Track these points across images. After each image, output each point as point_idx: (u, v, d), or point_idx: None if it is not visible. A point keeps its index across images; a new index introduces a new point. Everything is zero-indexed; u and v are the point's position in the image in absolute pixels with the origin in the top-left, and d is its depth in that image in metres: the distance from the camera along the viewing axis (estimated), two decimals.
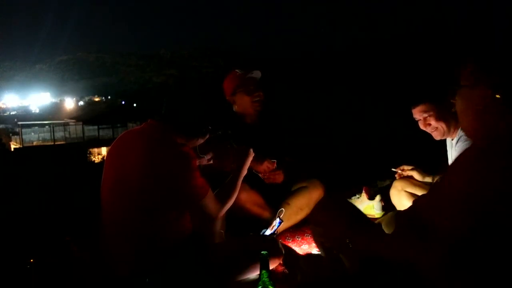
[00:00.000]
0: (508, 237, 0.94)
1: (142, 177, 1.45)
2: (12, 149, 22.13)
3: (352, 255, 1.35)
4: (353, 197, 2.73)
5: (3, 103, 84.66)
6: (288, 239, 2.25)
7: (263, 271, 1.33)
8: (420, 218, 1.10)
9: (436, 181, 1.19)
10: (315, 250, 2.02)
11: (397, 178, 2.44)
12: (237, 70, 2.48)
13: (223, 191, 1.70)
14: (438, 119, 1.92)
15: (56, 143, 22.49)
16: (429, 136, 2.05)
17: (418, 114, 1.99)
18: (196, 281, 1.50)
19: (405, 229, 1.15)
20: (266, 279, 1.32)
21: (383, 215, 2.26)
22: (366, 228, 1.41)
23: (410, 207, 1.24)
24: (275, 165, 2.35)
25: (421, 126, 2.01)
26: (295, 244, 2.18)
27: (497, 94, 1.05)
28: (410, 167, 2.37)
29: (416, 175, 2.32)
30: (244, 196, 2.20)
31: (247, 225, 2.18)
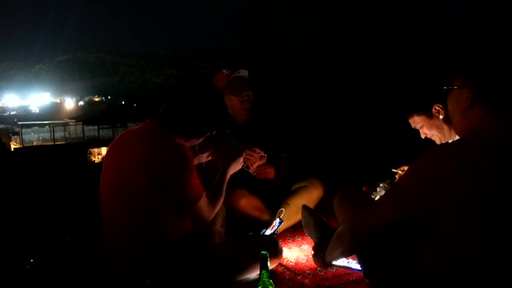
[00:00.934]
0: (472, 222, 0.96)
1: (141, 177, 1.45)
2: (12, 149, 22.13)
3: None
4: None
5: (3, 103, 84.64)
6: (288, 239, 2.25)
7: (263, 271, 1.33)
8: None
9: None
10: None
11: (397, 178, 2.44)
12: (224, 70, 2.46)
13: (213, 193, 1.69)
14: (429, 128, 1.92)
15: (56, 143, 22.49)
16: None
17: (412, 124, 2.00)
18: (196, 281, 1.50)
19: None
20: (266, 279, 1.32)
21: None
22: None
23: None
24: (265, 160, 2.36)
25: (421, 135, 2.03)
26: (295, 244, 2.18)
27: (480, 94, 1.10)
28: None
29: None
30: (243, 202, 2.20)
31: (247, 225, 2.18)
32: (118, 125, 25.25)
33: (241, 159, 1.90)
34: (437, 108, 1.85)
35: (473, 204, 0.95)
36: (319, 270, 1.81)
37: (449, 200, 0.97)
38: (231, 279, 1.65)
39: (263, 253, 1.35)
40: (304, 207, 1.73)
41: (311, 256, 2.01)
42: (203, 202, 1.57)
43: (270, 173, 2.35)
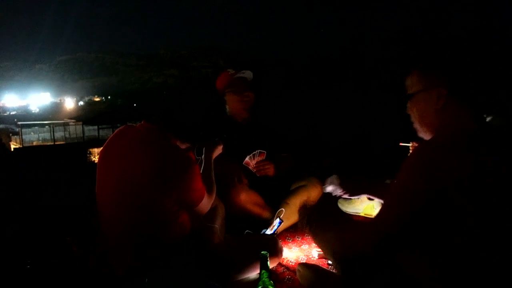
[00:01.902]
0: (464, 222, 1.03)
1: (146, 180, 1.45)
2: (12, 149, 22.13)
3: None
4: (353, 197, 2.73)
5: (3, 103, 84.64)
6: (288, 239, 2.25)
7: (263, 271, 1.33)
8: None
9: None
10: (315, 251, 2.02)
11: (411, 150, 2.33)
12: (229, 70, 2.48)
13: (206, 185, 1.70)
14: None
15: (56, 143, 22.48)
16: None
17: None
18: (195, 281, 1.50)
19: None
20: (266, 279, 1.32)
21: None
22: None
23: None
24: (264, 156, 2.37)
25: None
26: (295, 244, 2.18)
27: (453, 93, 1.17)
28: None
29: None
30: (244, 197, 2.20)
31: (247, 225, 2.18)
32: (118, 125, 25.07)
33: (220, 146, 1.89)
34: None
35: (470, 189, 1.02)
36: None
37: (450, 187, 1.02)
38: (231, 278, 1.65)
39: (263, 253, 1.35)
40: (300, 265, 1.70)
41: (311, 257, 2.01)
42: (205, 200, 1.61)
43: (270, 170, 2.36)
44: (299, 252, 2.07)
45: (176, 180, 1.47)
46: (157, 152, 1.49)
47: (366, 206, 2.51)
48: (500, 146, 1.09)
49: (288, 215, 2.25)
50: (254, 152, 2.38)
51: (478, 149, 1.06)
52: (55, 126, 24.64)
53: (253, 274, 1.68)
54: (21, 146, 22.03)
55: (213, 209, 1.86)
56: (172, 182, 1.46)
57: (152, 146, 1.50)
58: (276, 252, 1.81)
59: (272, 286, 1.33)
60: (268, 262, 1.35)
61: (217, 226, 1.93)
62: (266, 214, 2.28)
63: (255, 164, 2.37)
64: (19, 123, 26.33)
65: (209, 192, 1.69)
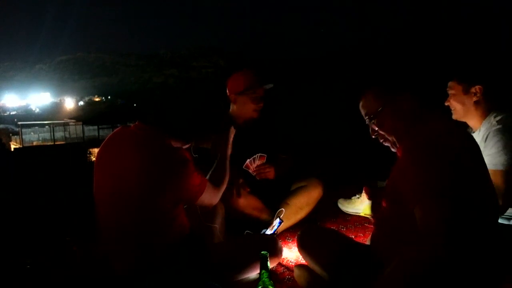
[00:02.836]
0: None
1: (140, 181, 1.45)
2: (12, 149, 22.13)
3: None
4: (353, 197, 2.73)
5: (3, 103, 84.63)
6: (288, 239, 2.25)
7: (263, 271, 1.33)
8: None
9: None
10: None
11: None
12: (253, 72, 2.37)
13: (216, 177, 1.70)
14: (456, 100, 1.96)
15: (56, 143, 22.49)
16: None
17: (448, 90, 2.04)
18: (195, 281, 1.50)
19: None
20: (266, 279, 1.32)
21: None
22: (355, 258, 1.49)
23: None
24: (265, 160, 2.35)
25: (445, 102, 2.05)
26: (295, 244, 2.17)
27: (423, 102, 1.29)
28: None
29: None
30: (243, 202, 2.20)
31: (247, 225, 2.18)
32: (118, 125, 24.92)
33: (232, 128, 1.87)
34: (477, 89, 1.86)
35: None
36: None
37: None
38: (231, 278, 1.65)
39: (263, 253, 1.35)
40: (296, 267, 1.71)
41: None
42: (206, 193, 1.58)
43: (270, 173, 2.33)
44: (299, 252, 2.07)
45: (170, 179, 1.46)
46: (150, 152, 1.49)
47: (366, 206, 2.51)
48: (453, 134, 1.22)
49: (288, 215, 2.25)
50: (254, 156, 2.35)
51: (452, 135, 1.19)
52: (55, 126, 24.65)
53: (253, 274, 1.68)
54: (21, 146, 22.04)
55: (213, 209, 1.85)
56: (166, 181, 1.46)
57: (146, 146, 1.50)
58: (276, 252, 1.81)
59: (272, 286, 1.33)
60: (268, 262, 1.35)
61: (217, 226, 1.93)
62: (265, 217, 2.27)
63: (255, 167, 2.34)
64: (19, 123, 26.34)
65: (217, 185, 1.67)
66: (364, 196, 2.57)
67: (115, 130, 1.63)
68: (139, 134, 1.53)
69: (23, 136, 22.73)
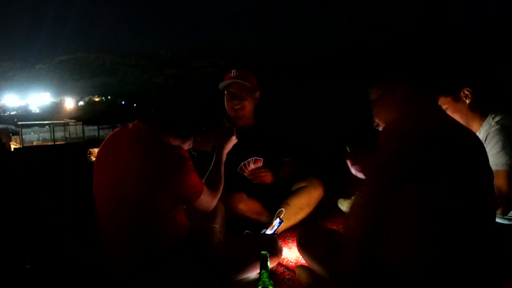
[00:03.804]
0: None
1: (139, 180, 1.45)
2: (12, 149, 22.12)
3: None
4: (353, 197, 2.72)
5: (3, 103, 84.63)
6: (288, 239, 2.25)
7: (263, 271, 1.33)
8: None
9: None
10: None
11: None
12: (233, 71, 2.39)
13: (212, 179, 1.70)
14: (453, 111, 1.95)
15: (56, 143, 22.49)
16: None
17: None
18: (195, 281, 1.50)
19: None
20: (266, 279, 1.32)
21: None
22: None
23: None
24: (261, 163, 2.34)
25: None
26: (295, 244, 2.18)
27: (413, 88, 1.29)
28: None
29: None
30: (242, 206, 2.19)
31: (247, 225, 2.18)
32: (118, 125, 24.84)
33: (233, 137, 1.90)
34: (466, 92, 1.85)
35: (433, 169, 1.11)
36: None
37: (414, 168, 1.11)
38: (231, 278, 1.65)
39: (263, 253, 1.35)
40: (297, 267, 1.71)
41: None
42: (204, 195, 1.59)
43: (267, 177, 2.30)
44: (299, 252, 2.06)
45: (168, 178, 1.46)
46: (148, 150, 1.49)
47: None
48: (448, 130, 1.20)
49: (288, 216, 2.24)
50: (249, 160, 2.34)
51: (427, 136, 1.16)
52: (55, 126, 24.65)
53: (253, 274, 1.68)
54: (21, 146, 22.03)
55: (213, 209, 1.85)
56: (164, 180, 1.46)
57: (144, 144, 1.50)
58: (276, 252, 1.81)
59: (272, 286, 1.33)
60: (268, 262, 1.35)
61: (216, 226, 1.93)
62: (264, 219, 2.27)
63: (250, 171, 2.32)
64: (19, 123, 26.34)
65: (213, 189, 1.67)
66: None
67: (115, 130, 1.64)
68: (137, 133, 1.54)
69: (23, 136, 22.73)
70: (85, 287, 1.82)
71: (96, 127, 25.37)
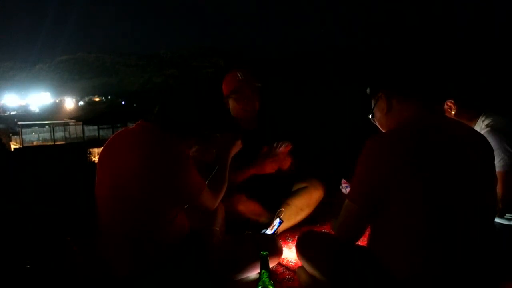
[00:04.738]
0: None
1: (139, 179, 1.45)
2: (12, 149, 22.11)
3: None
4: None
5: (3, 103, 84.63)
6: (288, 239, 2.25)
7: (263, 271, 1.33)
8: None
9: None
10: None
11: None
12: (238, 74, 2.36)
13: (215, 182, 1.71)
14: None
15: (56, 143, 22.49)
16: None
17: None
18: (195, 281, 1.50)
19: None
20: (266, 279, 1.32)
21: None
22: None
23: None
24: (288, 150, 2.28)
25: None
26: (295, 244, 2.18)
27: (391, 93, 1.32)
28: None
29: None
30: (241, 208, 2.20)
31: (247, 225, 2.18)
32: (118, 125, 25.21)
33: (239, 142, 1.91)
34: (449, 104, 1.86)
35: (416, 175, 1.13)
36: None
37: (398, 176, 1.13)
38: (231, 278, 1.65)
39: (263, 253, 1.35)
40: (298, 269, 1.71)
41: None
42: (205, 195, 1.59)
43: (286, 162, 2.28)
44: (299, 259, 2.06)
45: (168, 176, 1.46)
46: (149, 149, 1.49)
47: None
48: (443, 132, 1.21)
49: (288, 216, 2.24)
50: (280, 143, 2.29)
51: (419, 136, 1.18)
52: (55, 126, 24.66)
53: (253, 274, 1.68)
54: (21, 146, 22.03)
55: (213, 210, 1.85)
56: (164, 179, 1.46)
57: (145, 143, 1.50)
58: (276, 252, 1.81)
59: (272, 286, 1.33)
60: (268, 262, 1.35)
61: (217, 228, 1.93)
62: (264, 220, 2.27)
63: (276, 152, 2.27)
64: (19, 123, 26.35)
65: (215, 190, 1.67)
66: None
67: (118, 131, 1.65)
68: (140, 132, 1.54)
69: (23, 136, 22.73)
70: (85, 287, 1.82)
71: (96, 127, 25.37)
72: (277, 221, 2.08)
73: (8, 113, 67.98)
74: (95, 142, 23.06)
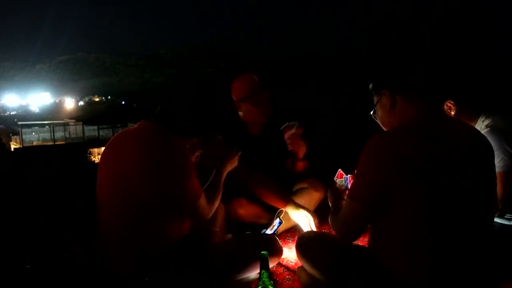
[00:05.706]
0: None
1: (140, 178, 1.45)
2: (12, 149, 22.11)
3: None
4: None
5: (3, 103, 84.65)
6: (288, 239, 2.25)
7: (263, 271, 1.33)
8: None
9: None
10: None
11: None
12: (255, 77, 2.24)
13: (210, 192, 1.69)
14: None
15: (56, 143, 22.47)
16: None
17: None
18: (195, 280, 1.50)
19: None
20: (266, 279, 1.32)
21: None
22: None
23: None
24: (301, 131, 2.27)
25: None
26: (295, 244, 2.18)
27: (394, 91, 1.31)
28: None
29: None
30: (242, 212, 2.19)
31: (247, 225, 2.18)
32: (118, 125, 25.21)
33: (236, 158, 1.91)
34: (449, 104, 1.86)
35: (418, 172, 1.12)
36: None
37: (400, 173, 1.13)
38: (231, 278, 1.65)
39: (263, 253, 1.35)
40: (299, 269, 1.73)
41: None
42: (201, 201, 1.58)
43: (302, 148, 2.27)
44: (299, 260, 2.06)
45: (168, 176, 1.46)
46: (149, 148, 1.48)
47: None
48: (446, 131, 1.20)
49: (288, 216, 2.24)
50: (293, 123, 2.26)
51: (424, 136, 1.17)
52: (55, 126, 24.65)
53: (253, 274, 1.68)
54: (21, 146, 22.02)
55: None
56: (163, 179, 1.46)
57: (145, 143, 1.50)
58: (276, 252, 1.81)
59: (272, 286, 1.33)
60: (268, 262, 1.35)
61: (217, 228, 1.93)
62: (264, 221, 2.26)
63: (291, 135, 2.25)
64: (19, 123, 26.35)
65: (210, 199, 1.65)
66: None
67: (121, 131, 1.65)
68: (141, 131, 1.54)
69: (23, 136, 22.72)
70: (85, 287, 1.82)
71: (96, 127, 25.35)
72: (277, 221, 2.08)
73: (8, 113, 68.02)
74: (95, 142, 23.05)
